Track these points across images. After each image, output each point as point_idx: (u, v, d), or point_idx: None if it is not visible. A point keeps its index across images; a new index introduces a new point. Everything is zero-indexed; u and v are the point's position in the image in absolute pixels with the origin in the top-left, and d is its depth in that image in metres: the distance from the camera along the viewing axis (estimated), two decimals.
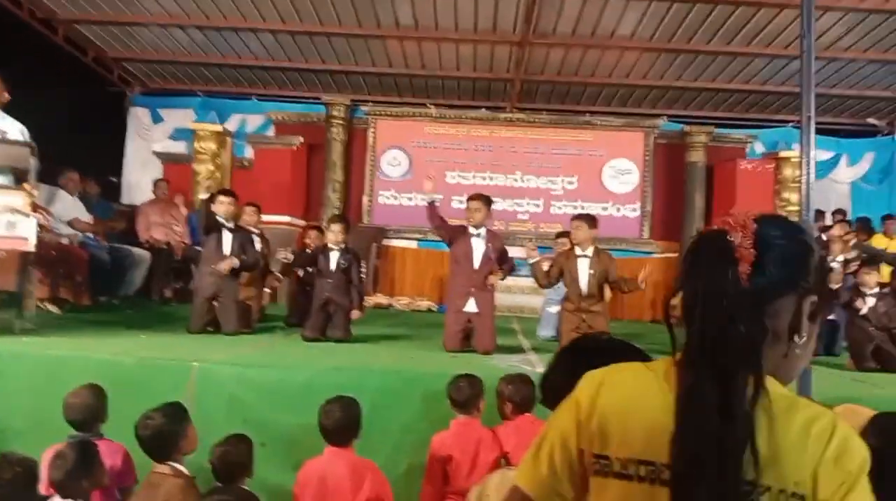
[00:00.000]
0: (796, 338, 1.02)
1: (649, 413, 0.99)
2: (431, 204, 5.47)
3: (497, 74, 10.30)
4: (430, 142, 10.83)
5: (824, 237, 7.46)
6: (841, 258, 6.65)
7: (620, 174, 10.73)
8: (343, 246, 5.78)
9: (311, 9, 8.57)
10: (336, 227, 5.82)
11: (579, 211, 10.52)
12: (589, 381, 1.07)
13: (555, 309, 6.47)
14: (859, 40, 8.68)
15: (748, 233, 1.01)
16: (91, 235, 7.24)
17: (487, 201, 5.49)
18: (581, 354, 1.51)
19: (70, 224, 6.99)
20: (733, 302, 0.96)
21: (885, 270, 7.59)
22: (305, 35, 9.33)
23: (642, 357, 1.42)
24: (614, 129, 10.80)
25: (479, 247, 5.41)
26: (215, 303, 5.69)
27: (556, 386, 1.39)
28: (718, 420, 0.92)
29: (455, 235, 5.45)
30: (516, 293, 9.62)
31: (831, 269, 6.12)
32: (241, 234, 5.97)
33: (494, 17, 8.55)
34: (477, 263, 5.38)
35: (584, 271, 5.51)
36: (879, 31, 8.36)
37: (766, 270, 0.99)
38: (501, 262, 5.52)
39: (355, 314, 5.79)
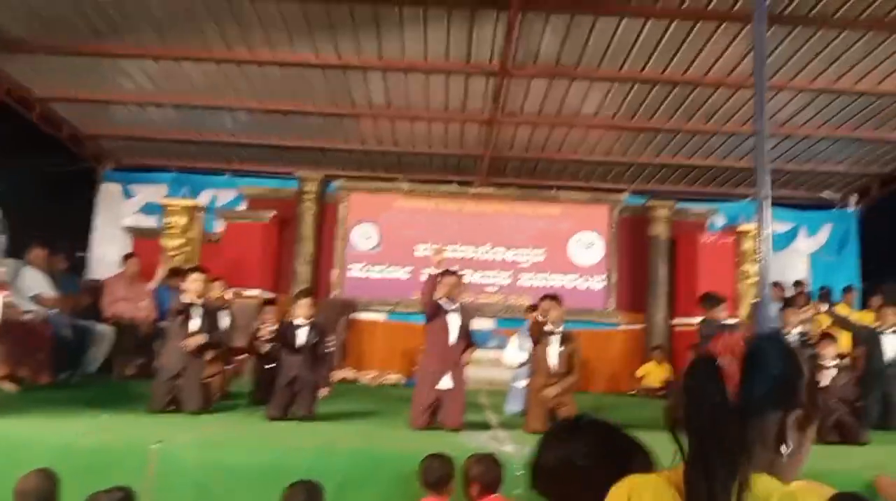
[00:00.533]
0: (783, 449, 1.13)
1: None
2: (432, 276, 5.46)
3: (467, 151, 10.56)
4: (400, 216, 10.97)
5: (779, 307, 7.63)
6: (798, 330, 6.77)
7: (586, 246, 10.94)
8: (311, 321, 5.77)
9: (285, 88, 8.78)
10: (304, 302, 5.82)
11: (546, 283, 10.73)
12: (617, 494, 1.18)
13: (522, 383, 6.47)
14: (812, 118, 9.09)
15: (737, 356, 1.13)
16: (55, 311, 7.14)
17: (458, 275, 5.58)
18: (569, 436, 1.51)
19: (35, 299, 6.90)
20: (718, 418, 1.09)
21: (844, 340, 7.75)
22: (279, 113, 9.52)
23: (625, 437, 1.43)
24: (580, 203, 11.07)
25: (454, 323, 5.45)
26: (178, 382, 5.60)
27: (550, 468, 1.39)
28: None
29: (435, 311, 5.48)
30: (484, 366, 9.58)
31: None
32: (209, 311, 5.93)
33: (464, 98, 8.85)
34: (453, 339, 5.41)
35: (554, 349, 5.59)
36: (830, 109, 8.78)
37: (752, 390, 1.12)
38: (468, 334, 5.57)
39: (323, 391, 5.73)
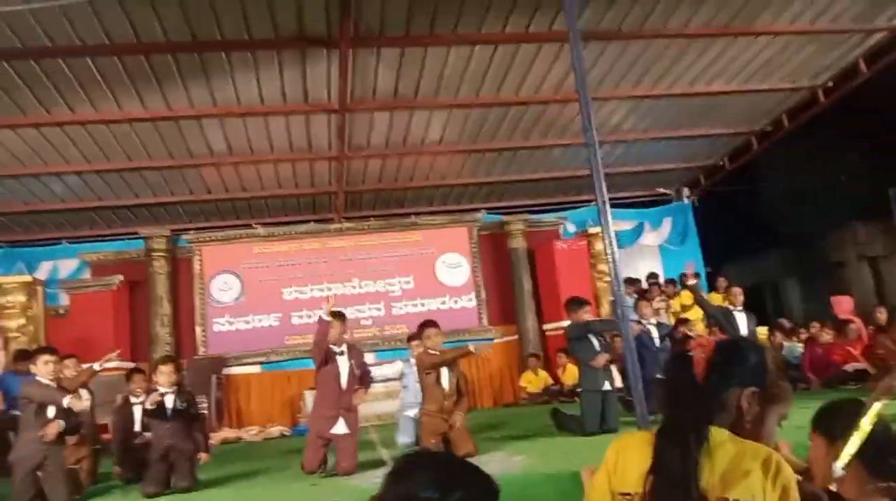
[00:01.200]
0: (746, 415, 1.55)
1: (643, 463, 1.52)
2: (326, 322, 5.23)
3: (319, 188, 10.49)
4: (261, 262, 10.68)
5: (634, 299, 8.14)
6: (653, 321, 7.22)
7: (452, 268, 11.13)
8: (176, 387, 5.48)
9: (116, 147, 8.38)
10: (166, 368, 5.51)
11: (419, 308, 10.80)
12: (611, 447, 1.65)
13: (412, 413, 6.45)
14: (639, 122, 9.81)
15: (707, 350, 1.60)
16: None
17: (342, 316, 5.46)
18: (410, 470, 1.49)
19: None
20: (687, 394, 1.55)
21: (700, 324, 8.37)
22: (114, 173, 9.06)
23: (464, 463, 1.43)
24: (440, 227, 11.26)
25: (344, 366, 5.35)
26: (40, 474, 5.10)
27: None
28: (679, 460, 1.46)
29: (324, 359, 5.33)
30: (370, 401, 9.45)
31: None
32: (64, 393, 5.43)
33: (308, 137, 8.81)
34: (345, 383, 5.31)
35: (445, 374, 5.63)
36: (652, 113, 9.52)
37: (714, 374, 1.56)
38: (363, 377, 5.49)
39: (203, 457, 5.44)
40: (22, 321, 9.36)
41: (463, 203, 11.90)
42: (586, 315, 6.35)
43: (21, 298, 9.41)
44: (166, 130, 8.15)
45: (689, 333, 6.83)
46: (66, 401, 5.05)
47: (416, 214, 11.51)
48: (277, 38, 6.59)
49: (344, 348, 5.41)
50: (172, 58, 6.72)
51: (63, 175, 8.92)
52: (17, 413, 7.44)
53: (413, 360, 6.55)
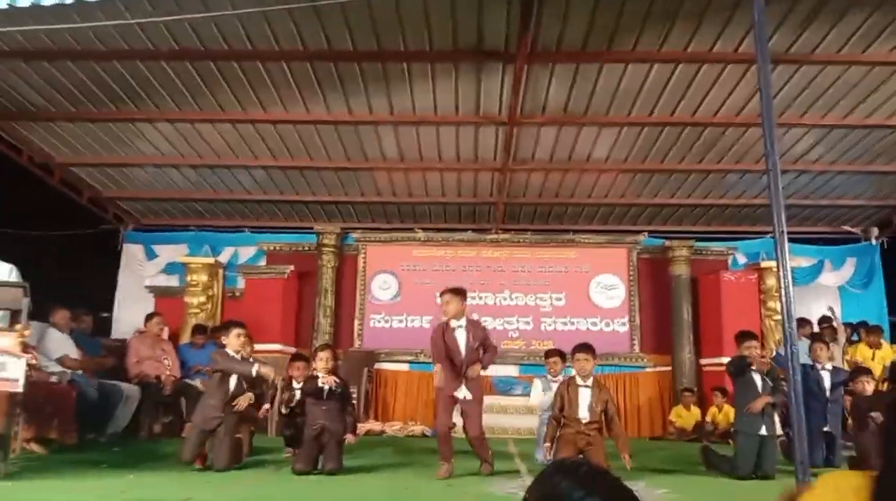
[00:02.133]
0: None
1: None
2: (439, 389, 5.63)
3: (481, 198, 10.67)
4: (418, 265, 11.03)
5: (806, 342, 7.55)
6: (829, 366, 6.68)
7: (607, 289, 10.89)
8: (331, 372, 5.79)
9: (301, 146, 8.99)
10: (324, 355, 5.84)
11: (569, 327, 10.68)
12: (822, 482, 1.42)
13: None
14: (826, 153, 9.10)
15: None
16: (80, 372, 7.21)
17: (457, 292, 5.65)
18: (557, 473, 1.50)
19: (59, 361, 6.99)
20: None
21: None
22: (296, 170, 9.72)
23: (613, 478, 1.43)
24: (598, 246, 11.06)
25: (461, 339, 5.55)
26: (211, 438, 5.60)
27: None
28: None
29: (440, 337, 5.57)
30: (511, 414, 9.49)
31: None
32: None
33: (475, 148, 8.99)
34: (463, 354, 5.50)
35: (584, 400, 5.56)
36: (843, 144, 8.80)
37: None
38: (485, 350, 5.62)
39: (349, 438, 5.72)
40: (202, 299, 10.32)
41: (624, 223, 11.61)
42: (748, 350, 5.98)
43: (204, 278, 10.39)
44: (346, 134, 8.64)
45: (867, 384, 6.24)
46: (256, 369, 5.54)
47: (575, 231, 11.39)
48: (456, 50, 6.80)
49: (462, 322, 5.58)
50: (358, 66, 7.12)
51: (251, 168, 9.71)
52: (190, 381, 8.27)
53: (550, 375, 6.72)
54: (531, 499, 1.37)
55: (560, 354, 6.95)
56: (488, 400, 9.18)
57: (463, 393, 5.50)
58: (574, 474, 1.33)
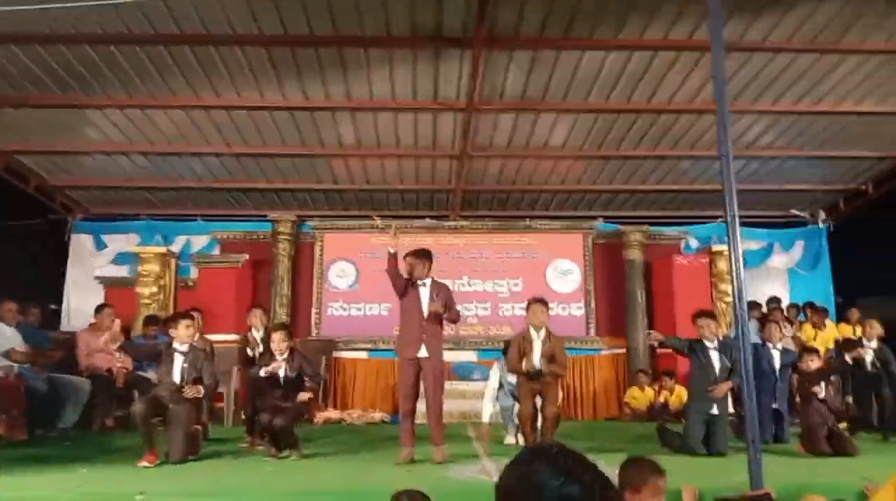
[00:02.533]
0: None
1: None
2: (393, 255, 5.62)
3: (439, 185, 10.65)
4: (377, 253, 10.91)
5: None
6: (780, 346, 6.89)
7: (563, 274, 11.02)
8: (289, 352, 5.77)
9: (255, 132, 8.83)
10: (277, 336, 5.81)
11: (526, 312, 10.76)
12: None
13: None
14: (777, 139, 9.32)
15: None
16: (28, 366, 7.01)
17: (422, 254, 5.74)
18: (532, 457, 1.50)
19: (6, 355, 6.77)
20: None
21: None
22: (250, 156, 9.55)
23: (585, 460, 1.45)
24: (554, 232, 11.18)
25: (425, 296, 5.60)
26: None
27: (508, 489, 1.39)
28: None
29: (404, 289, 5.62)
30: (470, 398, 9.53)
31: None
32: (194, 355, 5.78)
33: (434, 134, 8.96)
34: (425, 312, 5.53)
35: (538, 351, 5.98)
36: (793, 129, 9.02)
37: None
38: (448, 310, 5.67)
39: (303, 396, 5.79)
40: (154, 289, 10.11)
41: (580, 209, 11.74)
42: (702, 328, 6.15)
43: (156, 268, 10.18)
44: (302, 120, 8.52)
45: (812, 362, 6.44)
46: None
47: (532, 217, 11.48)
48: (415, 36, 6.75)
49: (427, 282, 5.65)
50: (315, 51, 7.02)
51: (203, 156, 9.50)
52: (143, 373, 8.10)
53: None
54: (506, 484, 1.36)
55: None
56: (447, 385, 9.24)
57: (423, 351, 5.50)
58: (553, 461, 1.32)
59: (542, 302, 6.31)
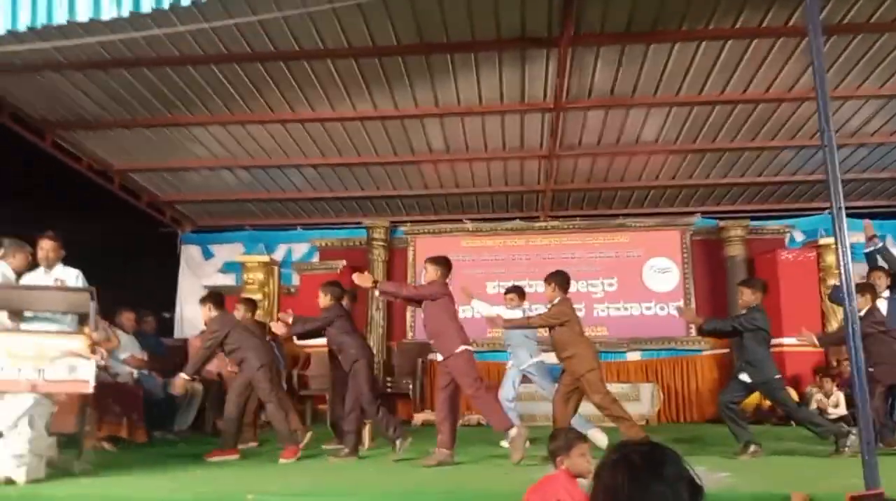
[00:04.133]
0: None
1: None
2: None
3: (528, 186, 10.62)
4: (468, 256, 11.05)
5: None
6: None
7: (660, 273, 10.74)
8: None
9: (349, 143, 9.09)
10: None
11: (622, 312, 10.58)
12: None
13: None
14: (884, 124, 8.77)
15: None
16: (146, 371, 7.48)
17: (435, 261, 6.03)
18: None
19: (125, 362, 7.26)
20: None
21: None
22: (345, 166, 9.84)
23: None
24: (649, 229, 10.91)
25: None
26: None
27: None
28: None
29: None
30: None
31: None
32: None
33: (521, 136, 8.94)
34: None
35: None
36: None
37: None
38: None
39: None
40: (259, 296, 10.53)
41: (676, 205, 11.41)
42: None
43: (260, 276, 10.62)
44: (392, 128, 8.70)
45: None
46: None
47: (625, 215, 11.26)
48: (499, 39, 6.76)
49: None
50: (402, 60, 7.15)
51: (301, 167, 9.87)
52: None
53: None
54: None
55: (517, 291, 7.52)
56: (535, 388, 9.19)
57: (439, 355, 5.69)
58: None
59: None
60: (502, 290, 10.76)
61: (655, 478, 1.36)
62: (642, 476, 1.36)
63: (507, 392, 7.07)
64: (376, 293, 5.95)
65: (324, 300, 6.39)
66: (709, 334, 6.04)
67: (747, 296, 6.03)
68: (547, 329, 6.08)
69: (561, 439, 3.02)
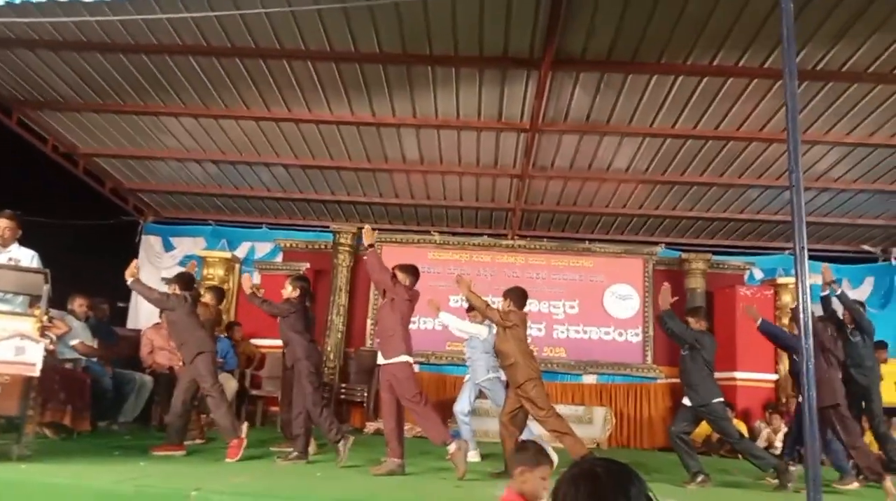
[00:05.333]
0: None
1: None
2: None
3: (499, 204, 10.67)
4: (433, 268, 11.04)
5: None
6: None
7: (621, 299, 10.86)
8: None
9: (322, 146, 9.05)
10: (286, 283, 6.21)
11: (581, 335, 10.66)
12: None
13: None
14: (848, 171, 9.04)
15: None
16: (94, 360, 7.29)
17: (403, 268, 6.04)
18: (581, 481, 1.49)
19: (75, 348, 7.07)
20: None
21: None
22: (316, 169, 9.78)
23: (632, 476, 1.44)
24: (613, 256, 11.04)
25: None
26: None
27: None
28: None
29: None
30: None
31: None
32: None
33: (496, 153, 9.00)
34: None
35: None
36: (866, 162, 8.73)
37: None
38: None
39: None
40: None
41: (641, 234, 11.59)
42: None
43: (220, 272, 10.48)
44: (367, 135, 8.69)
45: None
46: None
47: (591, 240, 11.39)
48: (482, 56, 6.82)
49: None
50: (383, 68, 7.16)
51: (272, 166, 9.78)
52: None
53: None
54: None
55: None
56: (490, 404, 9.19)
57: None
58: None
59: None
60: (465, 304, 10.85)
61: (620, 496, 1.34)
62: (606, 493, 1.35)
63: (462, 405, 7.08)
64: (366, 243, 5.79)
65: (288, 291, 6.30)
66: (661, 323, 6.20)
67: (693, 324, 6.20)
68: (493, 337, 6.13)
69: (530, 453, 2.91)
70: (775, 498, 5.31)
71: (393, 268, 5.86)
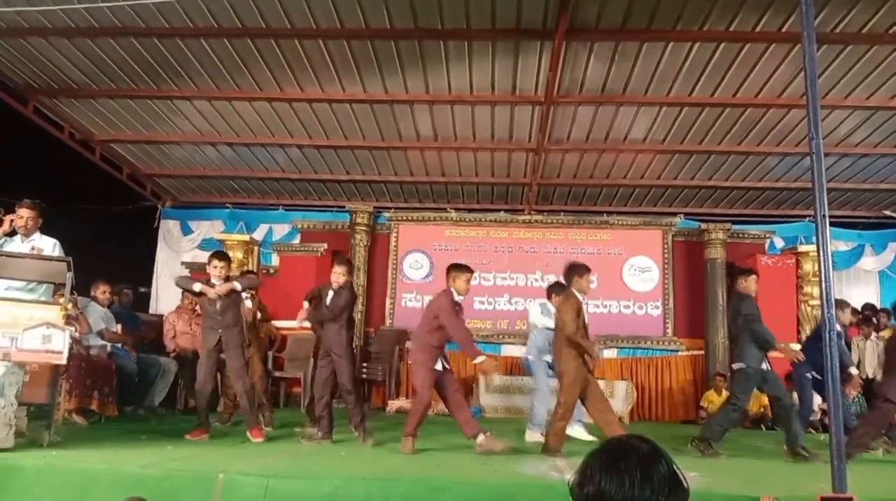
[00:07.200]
0: None
1: None
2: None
3: (514, 179, 10.61)
4: (450, 245, 11.04)
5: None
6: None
7: (640, 272, 10.79)
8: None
9: (336, 125, 9.02)
10: (339, 269, 6.08)
11: (600, 309, 10.62)
12: None
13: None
14: (869, 135, 8.86)
15: None
16: (119, 345, 7.39)
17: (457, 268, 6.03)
18: (614, 458, 1.49)
19: (99, 334, 7.16)
20: None
21: None
22: (331, 149, 9.77)
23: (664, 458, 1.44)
24: (632, 228, 10.95)
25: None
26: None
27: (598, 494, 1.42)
28: None
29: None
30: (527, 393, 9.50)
31: None
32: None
33: (511, 127, 8.92)
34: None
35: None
36: (887, 126, 8.55)
37: None
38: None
39: None
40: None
41: (660, 205, 11.48)
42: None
43: (239, 254, 10.51)
44: (381, 113, 8.64)
45: None
46: None
47: (609, 213, 11.29)
48: (494, 28, 6.73)
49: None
50: (394, 44, 7.09)
51: (286, 147, 9.77)
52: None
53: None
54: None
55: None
56: (517, 380, 9.23)
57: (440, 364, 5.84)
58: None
59: None
60: (483, 281, 10.87)
61: (650, 474, 1.36)
62: (633, 469, 1.34)
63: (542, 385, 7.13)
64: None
65: (343, 276, 6.10)
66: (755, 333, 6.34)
67: (752, 285, 6.45)
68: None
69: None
70: (798, 469, 5.29)
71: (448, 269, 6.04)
